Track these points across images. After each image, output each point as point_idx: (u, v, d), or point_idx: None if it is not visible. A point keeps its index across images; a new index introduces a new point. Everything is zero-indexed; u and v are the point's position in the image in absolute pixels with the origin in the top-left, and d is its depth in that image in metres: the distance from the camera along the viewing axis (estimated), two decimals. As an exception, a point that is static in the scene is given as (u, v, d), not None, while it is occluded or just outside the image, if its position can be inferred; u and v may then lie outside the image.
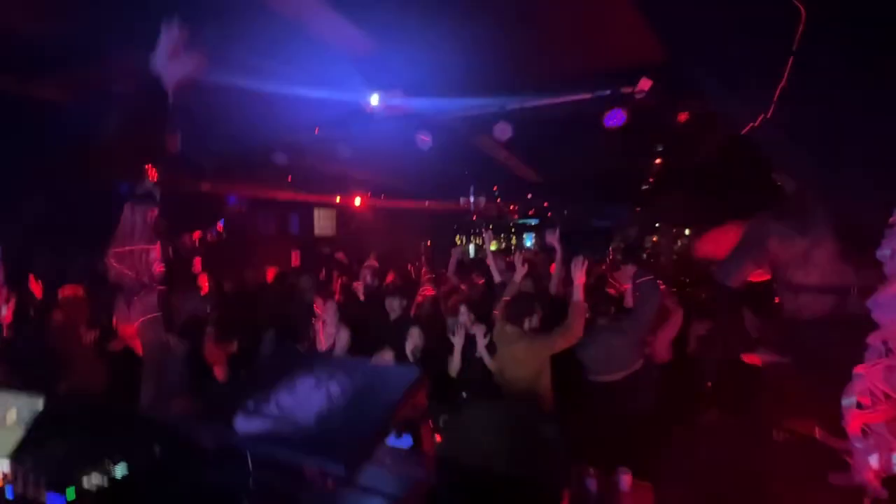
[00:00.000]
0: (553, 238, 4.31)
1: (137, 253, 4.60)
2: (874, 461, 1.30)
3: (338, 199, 9.92)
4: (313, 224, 10.78)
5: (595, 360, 3.47)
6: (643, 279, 3.52)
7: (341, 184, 8.67)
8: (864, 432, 1.33)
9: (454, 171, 8.27)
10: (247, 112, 4.72)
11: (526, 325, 3.26)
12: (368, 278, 6.47)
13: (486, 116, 4.88)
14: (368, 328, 4.29)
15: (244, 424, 1.11)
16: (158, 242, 4.65)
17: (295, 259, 10.63)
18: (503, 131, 4.86)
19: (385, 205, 10.35)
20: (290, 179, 8.27)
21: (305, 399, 1.13)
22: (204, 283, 6.29)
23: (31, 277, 4.54)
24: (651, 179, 8.42)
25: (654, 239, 13.23)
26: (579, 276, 3.27)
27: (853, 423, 1.36)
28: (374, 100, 4.14)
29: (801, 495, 1.59)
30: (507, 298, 3.56)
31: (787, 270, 2.50)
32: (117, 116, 4.28)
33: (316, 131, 5.64)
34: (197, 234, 8.31)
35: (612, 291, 4.60)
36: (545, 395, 3.18)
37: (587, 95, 4.48)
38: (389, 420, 1.09)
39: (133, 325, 4.04)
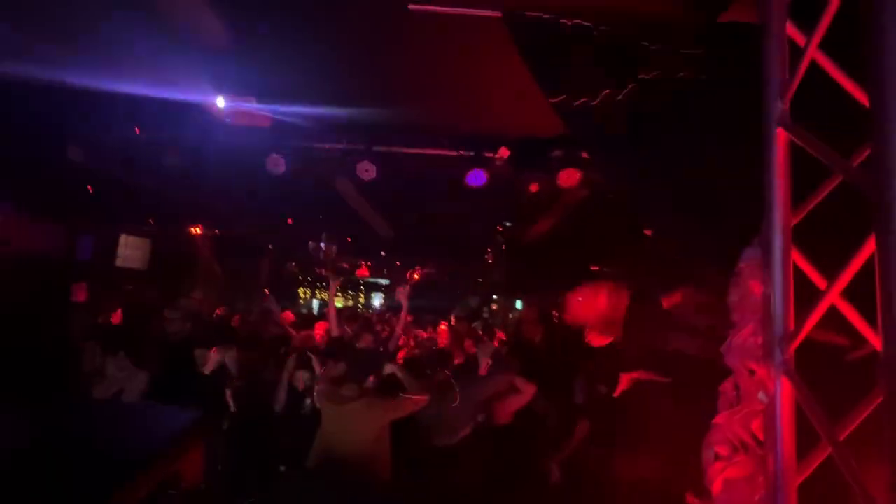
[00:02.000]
0: (403, 295, 4.28)
1: None
2: (736, 519, 1.24)
3: (153, 227, 8.25)
4: (115, 252, 8.70)
5: (430, 421, 3.29)
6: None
7: (162, 205, 7.20)
8: (724, 487, 1.27)
9: (306, 212, 7.64)
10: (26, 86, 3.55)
11: (368, 383, 3.04)
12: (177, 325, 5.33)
13: (350, 154, 4.61)
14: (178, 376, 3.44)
15: None
16: None
17: (78, 293, 8.30)
18: (366, 173, 4.61)
19: (218, 240, 8.95)
20: (90, 190, 6.56)
21: None
22: None
23: None
24: (489, 250, 9.05)
25: (494, 307, 14.13)
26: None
27: (715, 478, 1.30)
28: (220, 102, 3.51)
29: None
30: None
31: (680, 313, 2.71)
32: None
33: (137, 131, 4.59)
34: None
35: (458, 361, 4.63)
36: (383, 463, 2.77)
37: (452, 153, 4.60)
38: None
39: None
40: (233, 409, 3.19)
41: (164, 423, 0.76)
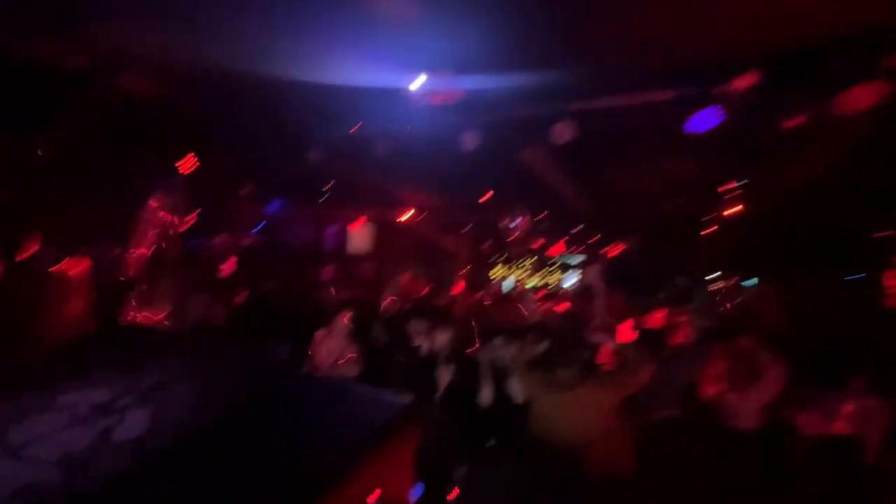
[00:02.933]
0: (594, 276, 3.78)
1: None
2: None
3: (372, 214, 9.50)
4: (348, 239, 10.39)
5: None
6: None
7: (377, 195, 8.21)
8: None
9: (501, 190, 7.63)
10: (274, 102, 4.27)
11: (579, 366, 2.78)
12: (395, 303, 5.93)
13: (546, 118, 4.24)
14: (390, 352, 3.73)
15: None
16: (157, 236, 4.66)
17: (326, 273, 10.21)
18: (562, 135, 4.19)
19: (422, 222, 9.80)
20: (326, 188, 7.91)
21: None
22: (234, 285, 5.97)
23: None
24: (725, 213, 7.27)
25: (713, 288, 11.88)
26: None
27: None
28: (419, 82, 3.58)
29: None
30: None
31: None
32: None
33: (353, 130, 5.19)
34: (232, 238, 8.05)
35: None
36: (622, 449, 2.53)
37: (669, 94, 3.76)
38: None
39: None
40: (443, 388, 3.25)
41: (370, 411, 0.60)
